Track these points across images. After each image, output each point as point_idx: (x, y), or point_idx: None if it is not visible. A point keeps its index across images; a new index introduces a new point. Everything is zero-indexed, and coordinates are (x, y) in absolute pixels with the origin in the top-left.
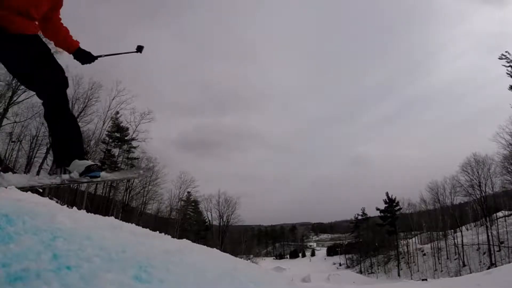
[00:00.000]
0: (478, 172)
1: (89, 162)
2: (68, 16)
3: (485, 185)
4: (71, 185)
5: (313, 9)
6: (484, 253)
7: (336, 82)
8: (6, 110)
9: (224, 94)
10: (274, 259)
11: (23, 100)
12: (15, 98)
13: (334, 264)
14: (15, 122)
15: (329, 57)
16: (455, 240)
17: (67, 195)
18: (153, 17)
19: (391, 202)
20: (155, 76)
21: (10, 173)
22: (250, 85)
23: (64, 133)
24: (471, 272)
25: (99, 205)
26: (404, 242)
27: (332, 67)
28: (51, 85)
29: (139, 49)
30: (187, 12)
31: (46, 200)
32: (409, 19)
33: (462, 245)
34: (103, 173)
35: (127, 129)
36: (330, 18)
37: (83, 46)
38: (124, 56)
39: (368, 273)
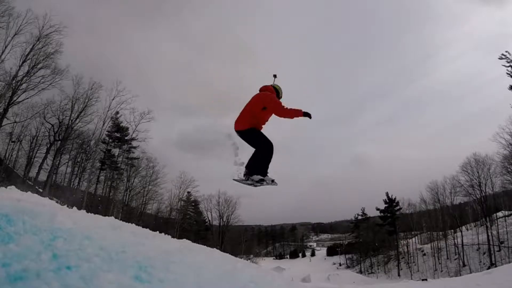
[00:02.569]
0: (478, 172)
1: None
2: (70, 16)
3: (485, 185)
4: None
5: (312, 10)
6: (484, 253)
7: (336, 82)
8: (6, 110)
9: (224, 95)
10: (274, 259)
11: (23, 100)
12: (15, 98)
13: (334, 264)
14: (15, 122)
15: (328, 58)
16: (455, 240)
17: (67, 195)
18: (153, 17)
19: (391, 202)
20: (156, 77)
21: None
22: (250, 85)
23: (262, 161)
24: (471, 272)
25: (99, 205)
26: (404, 242)
27: (332, 67)
28: (268, 145)
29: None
30: (187, 12)
31: (46, 200)
32: (409, 20)
33: (462, 245)
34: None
35: (127, 129)
36: (329, 19)
37: (82, 44)
38: (125, 55)
39: (368, 273)
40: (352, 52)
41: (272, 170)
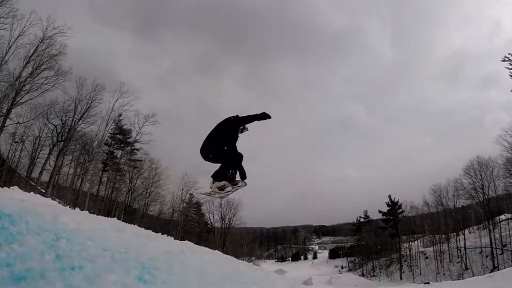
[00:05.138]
0: (481, 175)
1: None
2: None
3: (488, 187)
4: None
5: None
6: (487, 256)
7: (336, 81)
8: (9, 110)
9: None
10: (275, 261)
11: (26, 101)
12: (18, 99)
13: (336, 267)
14: (18, 122)
15: None
16: (458, 243)
17: (70, 196)
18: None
19: (393, 205)
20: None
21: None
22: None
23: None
24: (473, 276)
25: (101, 206)
26: (407, 245)
27: None
28: None
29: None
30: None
31: (49, 200)
32: (409, 22)
33: (465, 248)
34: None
35: (130, 131)
36: None
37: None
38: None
39: (370, 276)
40: None
41: (276, 171)
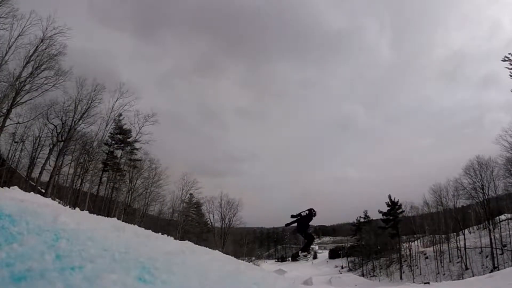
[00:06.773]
0: (481, 175)
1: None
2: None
3: (488, 188)
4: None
5: None
6: (487, 256)
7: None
8: (9, 110)
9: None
10: (275, 261)
11: (26, 101)
12: (18, 99)
13: (336, 267)
14: (18, 122)
15: None
16: (458, 243)
17: (70, 196)
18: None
19: (393, 205)
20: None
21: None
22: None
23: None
24: (473, 276)
25: (101, 206)
26: (407, 245)
27: None
28: None
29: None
30: None
31: (49, 200)
32: (408, 23)
33: (465, 248)
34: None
35: (130, 131)
36: None
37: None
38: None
39: (370, 276)
40: None
41: (274, 171)
